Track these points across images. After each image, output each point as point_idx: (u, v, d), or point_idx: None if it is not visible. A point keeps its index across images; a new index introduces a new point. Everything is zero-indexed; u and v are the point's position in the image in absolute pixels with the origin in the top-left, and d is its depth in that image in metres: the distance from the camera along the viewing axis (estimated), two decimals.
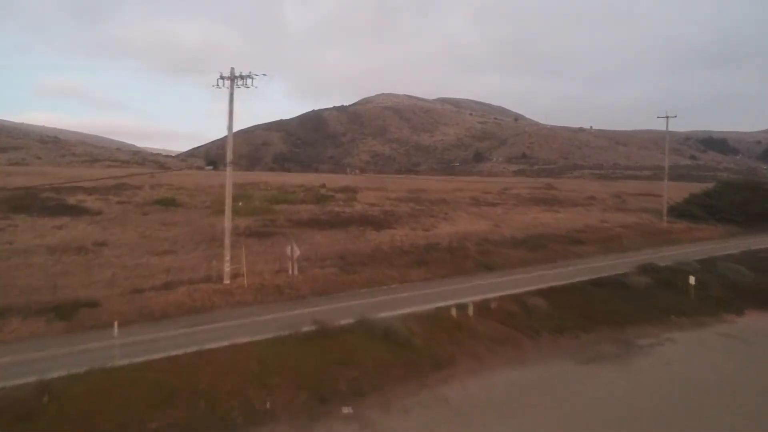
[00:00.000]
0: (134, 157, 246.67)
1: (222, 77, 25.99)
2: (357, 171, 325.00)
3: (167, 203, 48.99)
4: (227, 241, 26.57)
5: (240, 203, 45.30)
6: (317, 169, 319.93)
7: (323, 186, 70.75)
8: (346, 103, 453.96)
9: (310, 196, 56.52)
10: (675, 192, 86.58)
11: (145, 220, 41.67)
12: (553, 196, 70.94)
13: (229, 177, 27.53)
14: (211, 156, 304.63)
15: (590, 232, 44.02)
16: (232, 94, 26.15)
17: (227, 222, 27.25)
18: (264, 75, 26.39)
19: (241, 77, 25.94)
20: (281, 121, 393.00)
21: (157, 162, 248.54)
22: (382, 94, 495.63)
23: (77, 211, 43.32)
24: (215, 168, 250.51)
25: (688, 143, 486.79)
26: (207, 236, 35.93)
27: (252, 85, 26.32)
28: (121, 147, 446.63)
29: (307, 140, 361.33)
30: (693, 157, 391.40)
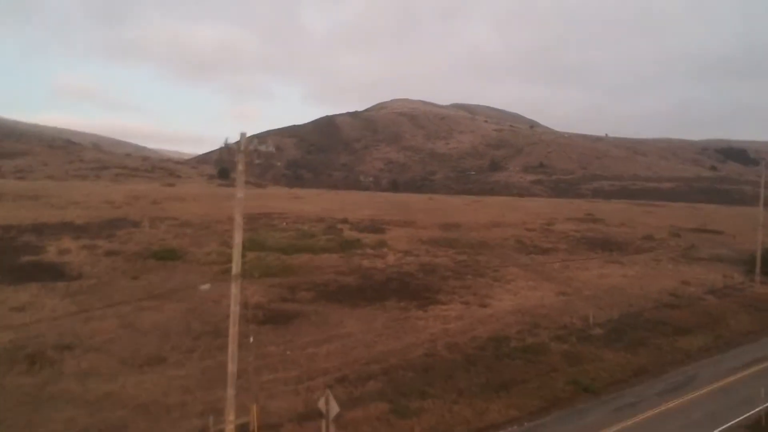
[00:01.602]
0: (144, 163, 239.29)
1: (228, 145, 18.08)
2: (371, 179, 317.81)
3: (165, 256, 40.98)
4: (231, 367, 18.30)
5: (255, 274, 37.16)
6: (330, 176, 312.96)
7: (345, 221, 62.55)
8: (360, 109, 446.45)
9: (334, 243, 48.29)
10: (732, 223, 78.21)
11: (134, 288, 33.67)
12: (605, 236, 62.48)
13: (237, 260, 19.18)
14: (223, 163, 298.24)
15: (683, 306, 35.71)
16: (241, 172, 18.22)
17: (232, 329, 18.91)
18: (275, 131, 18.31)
19: (255, 145, 18.14)
20: (294, 126, 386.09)
21: (167, 169, 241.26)
22: (397, 99, 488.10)
23: (53, 273, 35.38)
24: (226, 176, 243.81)
25: (707, 153, 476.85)
26: (209, 324, 27.88)
27: (267, 147, 18.84)
28: (134, 150, 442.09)
29: (321, 146, 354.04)
30: (713, 168, 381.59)
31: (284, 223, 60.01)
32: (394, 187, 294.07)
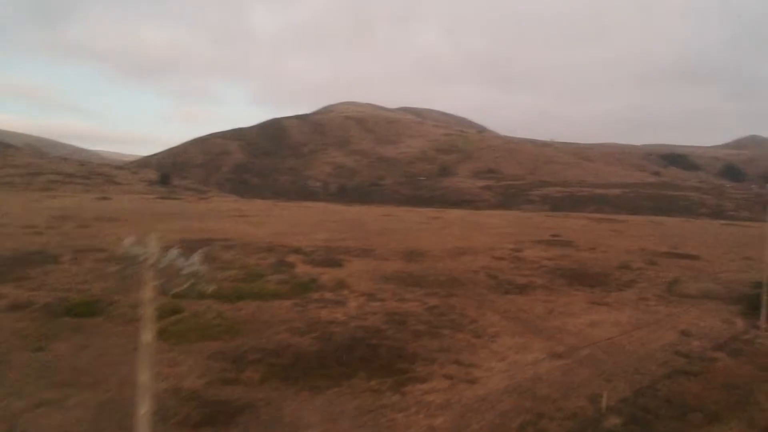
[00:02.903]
0: (80, 169, 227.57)
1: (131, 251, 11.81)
2: (319, 185, 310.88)
3: (82, 311, 33.95)
4: None
5: (192, 338, 30.58)
6: (277, 181, 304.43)
7: (298, 251, 56.13)
8: (308, 112, 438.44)
9: (286, 286, 41.77)
10: (703, 244, 74.53)
11: (35, 366, 26.60)
12: (579, 265, 57.68)
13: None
14: (165, 168, 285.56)
15: (697, 373, 30.60)
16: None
17: None
18: None
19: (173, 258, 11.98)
20: (240, 129, 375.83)
21: (105, 175, 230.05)
22: (345, 102, 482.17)
23: None
24: (167, 182, 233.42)
25: (650, 158, 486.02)
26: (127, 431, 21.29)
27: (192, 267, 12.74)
28: (73, 153, 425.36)
29: (267, 150, 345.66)
30: (657, 174, 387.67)
31: (228, 255, 53.27)
32: (343, 192, 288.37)
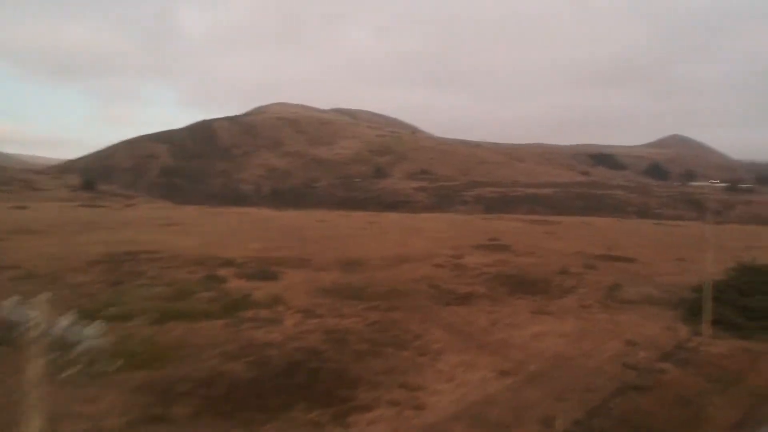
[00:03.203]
0: None
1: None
2: (252, 187, 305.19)
3: None
4: None
5: (114, 367, 27.77)
6: (208, 185, 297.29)
7: (230, 263, 53.47)
8: (239, 113, 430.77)
9: (217, 304, 39.17)
10: (636, 245, 75.21)
11: None
12: (519, 270, 56.98)
13: None
14: (90, 173, 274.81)
15: (648, 388, 29.78)
16: None
17: None
18: None
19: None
20: (169, 131, 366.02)
21: (25, 181, 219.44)
22: (276, 103, 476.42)
23: None
24: (92, 188, 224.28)
25: (579, 158, 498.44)
26: None
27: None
28: None
29: (197, 153, 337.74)
30: (585, 173, 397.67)
31: (155, 268, 50.19)
32: (276, 194, 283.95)
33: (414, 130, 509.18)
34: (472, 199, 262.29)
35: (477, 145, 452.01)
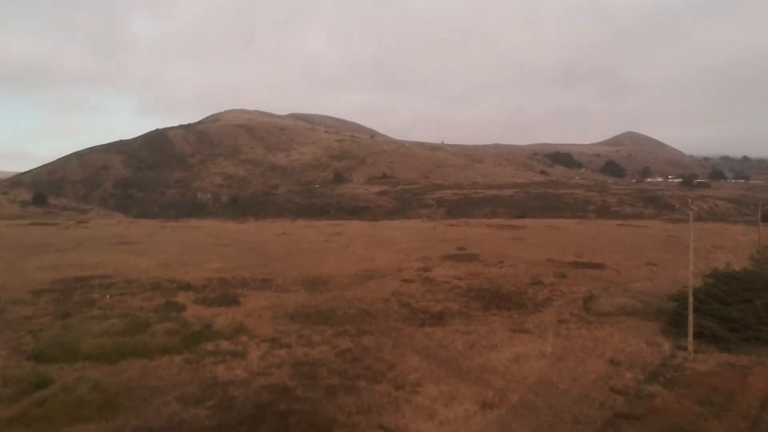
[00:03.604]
0: None
1: None
2: (210, 197, 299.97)
3: None
4: None
5: (58, 423, 24.92)
6: (164, 195, 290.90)
7: (188, 287, 50.57)
8: (194, 121, 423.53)
9: (176, 337, 36.31)
10: (604, 248, 73.95)
11: None
12: (491, 283, 55.25)
13: None
14: (40, 186, 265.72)
15: (639, 417, 28.04)
16: None
17: None
18: None
19: None
20: (122, 141, 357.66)
21: None
22: (232, 110, 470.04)
23: None
24: (43, 202, 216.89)
25: (537, 158, 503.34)
26: None
27: None
28: None
29: (152, 163, 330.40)
30: (544, 173, 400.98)
31: (107, 297, 47.06)
32: (235, 203, 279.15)
33: (372, 134, 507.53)
34: (434, 202, 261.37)
35: (436, 148, 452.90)
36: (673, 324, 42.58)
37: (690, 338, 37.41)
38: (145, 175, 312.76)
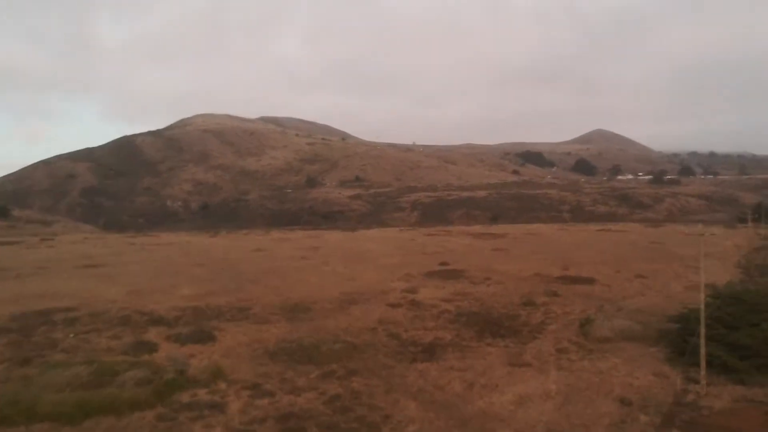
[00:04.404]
0: None
1: None
2: (180, 204, 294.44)
3: None
4: None
5: None
6: (133, 203, 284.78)
7: (159, 320, 47.12)
8: (162, 126, 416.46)
9: (147, 388, 32.94)
10: (589, 259, 71.04)
11: None
12: (481, 305, 52.65)
13: None
14: (3, 197, 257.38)
15: None
16: None
17: None
18: None
19: None
20: (89, 149, 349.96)
21: None
22: (201, 114, 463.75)
23: None
24: (6, 214, 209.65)
25: (509, 157, 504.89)
26: None
27: None
28: None
29: (120, 170, 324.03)
30: (516, 172, 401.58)
31: (72, 336, 43.45)
32: (206, 210, 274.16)
33: (344, 136, 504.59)
34: (408, 205, 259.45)
35: (408, 149, 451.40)
36: (678, 351, 40.22)
37: (703, 372, 35.07)
38: (113, 183, 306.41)
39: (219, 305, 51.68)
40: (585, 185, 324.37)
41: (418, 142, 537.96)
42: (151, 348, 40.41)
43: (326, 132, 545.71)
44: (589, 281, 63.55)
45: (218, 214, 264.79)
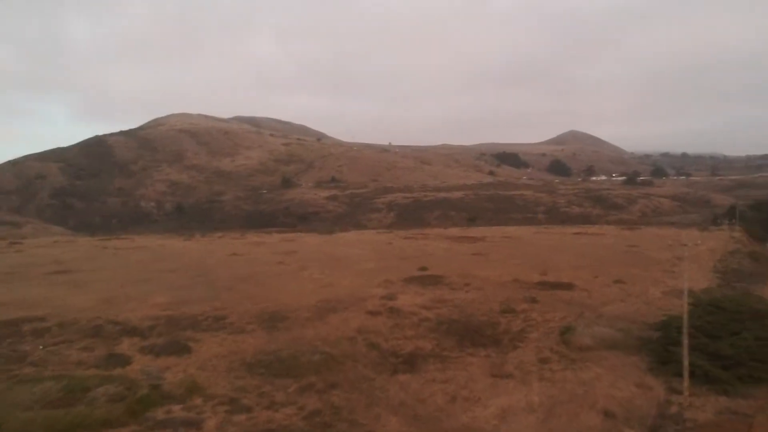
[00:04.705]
0: None
1: None
2: (153, 205, 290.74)
3: None
4: None
5: None
6: (105, 204, 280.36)
7: (133, 330, 45.85)
8: (135, 126, 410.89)
9: (120, 406, 31.77)
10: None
11: None
12: (460, 312, 51.92)
13: None
14: None
15: None
16: None
17: None
18: None
19: None
20: (59, 149, 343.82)
21: None
22: (175, 114, 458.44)
23: None
24: None
25: (484, 158, 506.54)
26: None
27: None
28: None
29: (92, 171, 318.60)
30: (492, 173, 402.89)
31: (41, 348, 42.03)
32: (180, 211, 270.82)
33: (320, 137, 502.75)
34: (384, 206, 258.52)
35: (385, 150, 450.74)
36: (660, 361, 40.11)
37: (686, 383, 34.81)
38: (84, 184, 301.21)
39: (194, 314, 50.47)
40: (560, 186, 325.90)
41: (395, 143, 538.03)
42: (124, 361, 39.21)
43: (302, 132, 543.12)
44: (568, 287, 63.27)
45: (192, 215, 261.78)
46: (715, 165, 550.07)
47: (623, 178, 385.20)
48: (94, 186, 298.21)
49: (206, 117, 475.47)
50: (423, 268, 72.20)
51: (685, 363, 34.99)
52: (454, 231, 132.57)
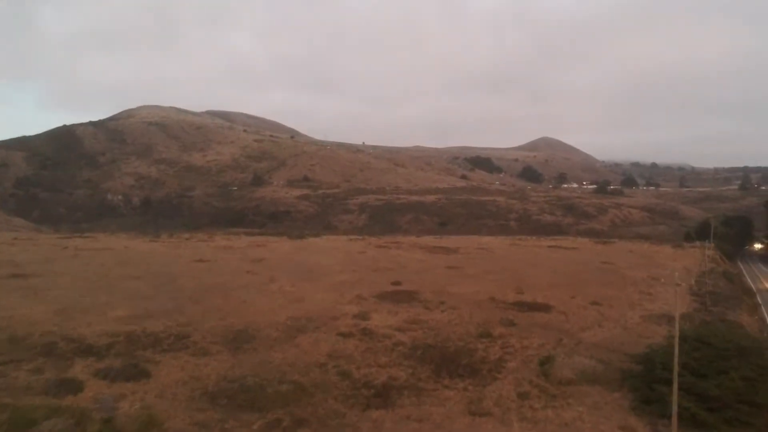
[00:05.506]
0: None
1: None
2: (120, 198, 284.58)
3: None
4: None
5: None
6: (71, 195, 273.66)
7: (88, 349, 42.98)
8: (106, 117, 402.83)
9: None
10: (540, 280, 68.64)
11: None
12: (436, 336, 49.83)
13: None
14: None
15: None
16: None
17: None
18: None
19: None
20: (24, 137, 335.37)
21: None
22: (146, 106, 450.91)
23: None
24: None
25: (458, 162, 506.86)
26: None
27: None
28: None
29: (58, 161, 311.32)
30: (464, 177, 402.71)
31: None
32: (147, 205, 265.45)
33: (293, 134, 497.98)
34: (356, 208, 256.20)
35: (358, 150, 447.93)
36: (644, 400, 38.46)
37: (674, 430, 33.09)
38: (50, 174, 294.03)
39: (156, 331, 47.73)
40: (532, 193, 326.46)
41: (368, 143, 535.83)
42: (76, 387, 36.35)
43: (275, 129, 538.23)
44: (545, 308, 61.72)
45: (160, 210, 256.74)
46: (684, 176, 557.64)
47: (594, 186, 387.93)
48: (60, 177, 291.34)
49: (178, 110, 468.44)
50: (396, 283, 70.20)
51: (675, 408, 33.25)
52: (428, 240, 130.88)
